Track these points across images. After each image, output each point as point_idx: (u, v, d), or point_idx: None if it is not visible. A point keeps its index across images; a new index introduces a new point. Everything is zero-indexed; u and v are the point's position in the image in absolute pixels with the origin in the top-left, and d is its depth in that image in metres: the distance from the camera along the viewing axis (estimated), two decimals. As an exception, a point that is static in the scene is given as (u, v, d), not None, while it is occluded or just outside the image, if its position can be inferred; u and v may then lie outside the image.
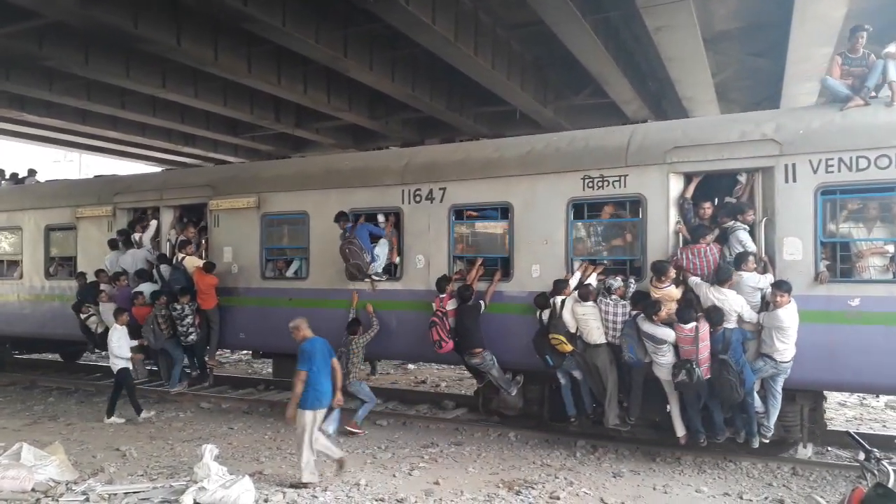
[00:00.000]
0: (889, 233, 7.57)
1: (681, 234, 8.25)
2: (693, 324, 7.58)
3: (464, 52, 14.05)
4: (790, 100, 17.14)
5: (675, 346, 7.73)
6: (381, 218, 10.29)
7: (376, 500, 6.99)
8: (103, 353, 13.69)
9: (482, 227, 9.90)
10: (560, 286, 8.57)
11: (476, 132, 20.36)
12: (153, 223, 12.39)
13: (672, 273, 7.88)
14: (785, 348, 7.40)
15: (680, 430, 8.15)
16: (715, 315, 7.54)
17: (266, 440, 9.56)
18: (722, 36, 15.44)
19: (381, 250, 9.99)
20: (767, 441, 7.93)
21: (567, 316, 8.39)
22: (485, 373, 9.29)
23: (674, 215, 8.32)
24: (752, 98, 18.63)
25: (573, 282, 8.58)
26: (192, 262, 11.40)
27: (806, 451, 8.45)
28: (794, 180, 7.70)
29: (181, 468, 8.05)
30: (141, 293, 11.49)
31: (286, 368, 11.87)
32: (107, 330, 11.46)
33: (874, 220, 7.63)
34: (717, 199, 8.61)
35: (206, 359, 11.91)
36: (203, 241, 12.10)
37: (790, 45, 13.73)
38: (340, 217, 10.08)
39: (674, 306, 7.80)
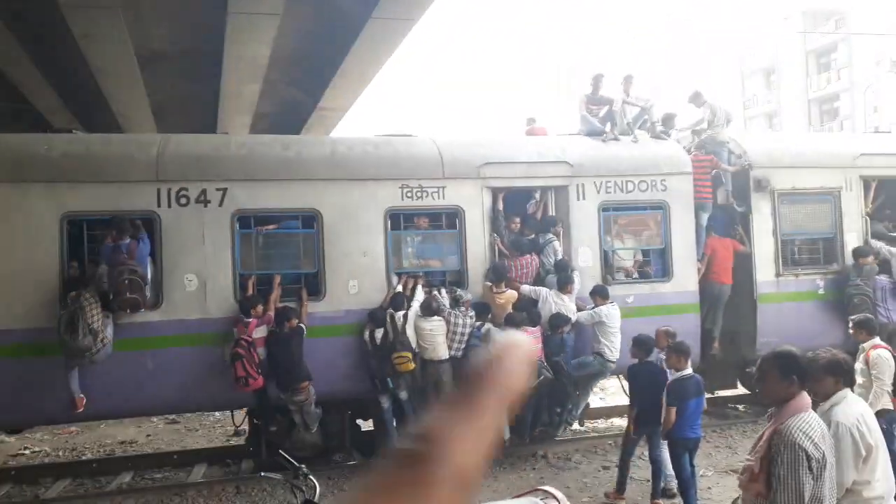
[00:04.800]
0: None
1: (497, 247, 8.75)
2: (539, 326, 8.19)
3: None
4: (226, 128, 18.07)
5: None
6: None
7: None
8: None
9: (279, 238, 8.60)
10: (399, 301, 8.11)
11: None
12: None
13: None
14: None
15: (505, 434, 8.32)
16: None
17: None
18: (158, 57, 15.27)
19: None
20: None
21: (410, 332, 8.03)
22: (296, 412, 8.05)
23: (488, 229, 8.76)
24: (191, 122, 18.97)
25: None
26: None
27: None
28: None
29: None
30: None
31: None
32: None
33: None
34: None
35: None
36: None
37: (223, 78, 14.49)
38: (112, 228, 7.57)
39: (510, 309, 8.24)
